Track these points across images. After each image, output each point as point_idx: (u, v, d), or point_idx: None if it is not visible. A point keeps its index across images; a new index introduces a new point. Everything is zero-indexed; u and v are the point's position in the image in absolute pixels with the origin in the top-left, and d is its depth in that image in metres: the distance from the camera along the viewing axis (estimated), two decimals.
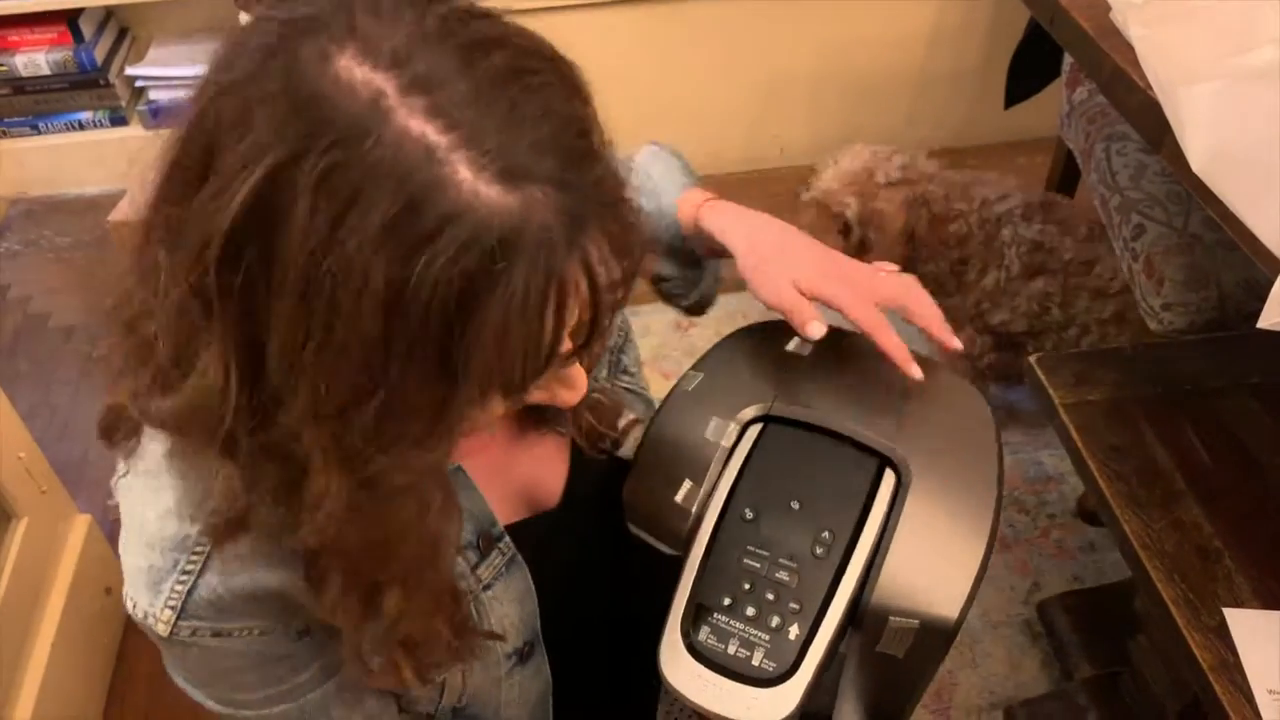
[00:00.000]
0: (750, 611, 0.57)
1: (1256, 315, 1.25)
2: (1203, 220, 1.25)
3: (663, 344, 1.84)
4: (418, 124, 0.41)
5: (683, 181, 0.80)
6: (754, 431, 0.65)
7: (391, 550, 0.53)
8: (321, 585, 0.55)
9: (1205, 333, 1.21)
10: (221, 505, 0.52)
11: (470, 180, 0.42)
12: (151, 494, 0.57)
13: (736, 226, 0.74)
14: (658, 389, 1.86)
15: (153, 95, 2.21)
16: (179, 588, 0.56)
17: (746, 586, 0.57)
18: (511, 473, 0.72)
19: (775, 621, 0.56)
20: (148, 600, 0.57)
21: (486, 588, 0.68)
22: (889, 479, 0.61)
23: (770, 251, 0.71)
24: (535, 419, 0.72)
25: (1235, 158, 0.79)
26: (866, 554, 0.58)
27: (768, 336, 0.72)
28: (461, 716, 0.73)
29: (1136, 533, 0.94)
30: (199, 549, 0.56)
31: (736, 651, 0.56)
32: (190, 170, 0.44)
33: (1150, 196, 1.30)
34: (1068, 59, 1.60)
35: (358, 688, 0.66)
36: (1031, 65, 1.70)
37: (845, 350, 0.70)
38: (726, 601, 0.57)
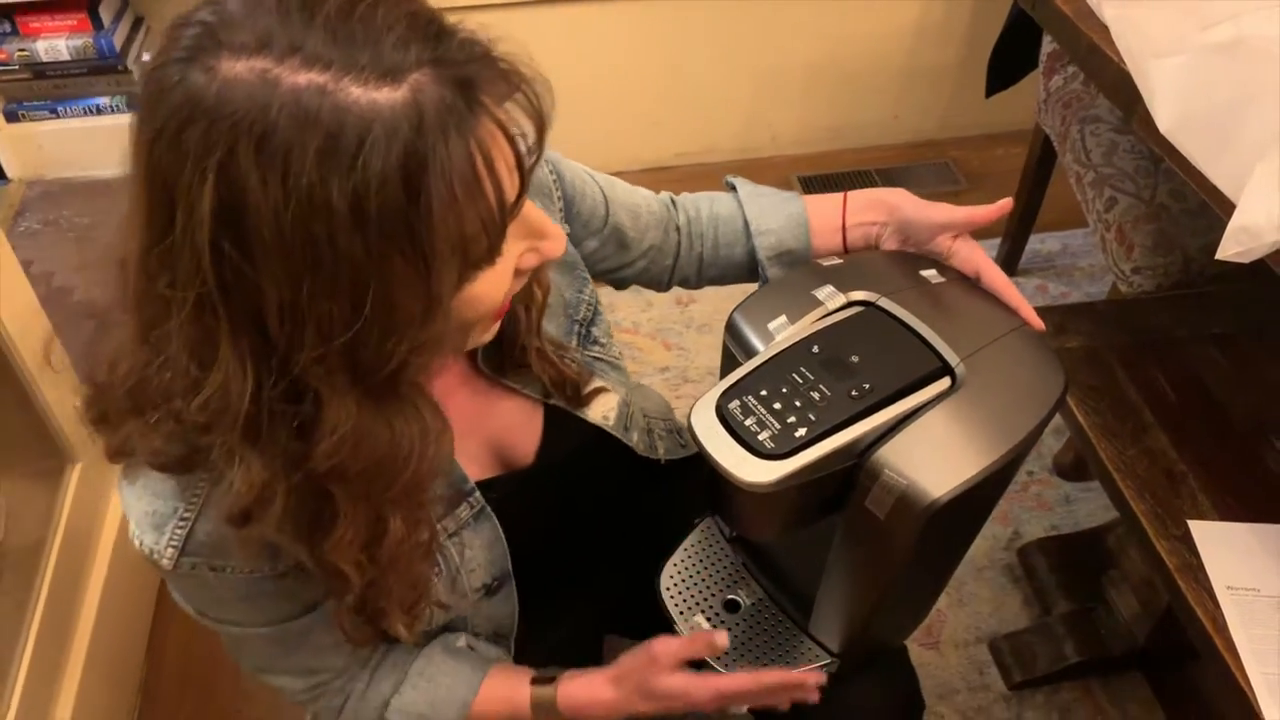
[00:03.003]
0: (776, 406, 0.67)
1: (1217, 276, 1.38)
2: (1169, 191, 1.37)
3: (664, 317, 1.94)
4: (303, 77, 0.49)
5: (786, 194, 0.93)
6: (855, 309, 0.76)
7: (397, 471, 0.60)
8: (333, 522, 0.61)
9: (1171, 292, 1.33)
10: (243, 491, 0.59)
11: (362, 94, 0.50)
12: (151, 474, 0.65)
13: (889, 193, 0.88)
14: (659, 359, 1.97)
15: None
16: (179, 530, 0.65)
17: (783, 390, 0.68)
18: (482, 434, 0.80)
19: (790, 420, 0.66)
20: (153, 539, 0.65)
21: (451, 536, 0.76)
22: (943, 382, 0.70)
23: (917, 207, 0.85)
24: (502, 380, 0.80)
25: (1197, 121, 0.90)
26: (891, 416, 0.67)
27: (909, 261, 0.83)
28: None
29: (1111, 459, 1.05)
30: (195, 496, 0.64)
31: (750, 425, 0.66)
32: (160, 214, 0.52)
33: (1121, 171, 1.42)
34: (1044, 50, 1.72)
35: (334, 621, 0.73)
36: (1010, 57, 1.82)
37: (967, 291, 0.80)
38: (763, 393, 0.68)
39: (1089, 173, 1.47)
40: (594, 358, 0.88)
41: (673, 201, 0.95)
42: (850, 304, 0.77)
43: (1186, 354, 1.17)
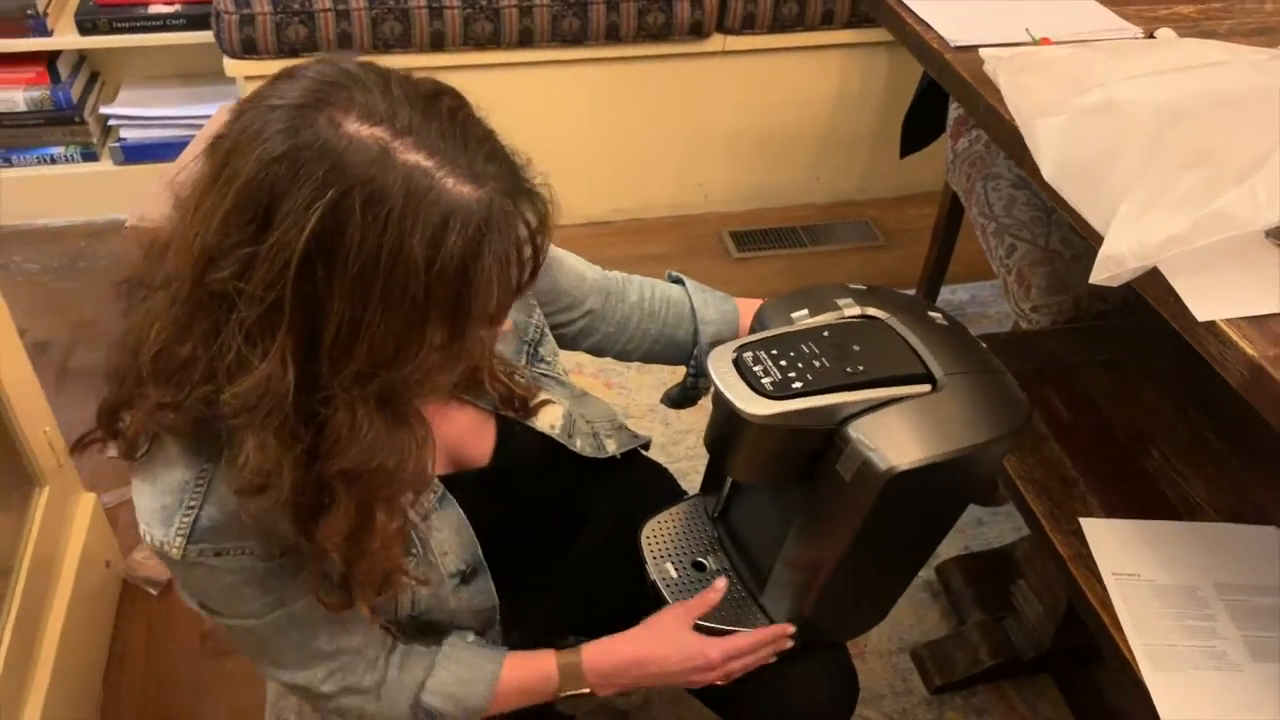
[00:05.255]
0: (782, 363, 0.80)
1: (1103, 313, 1.55)
2: (1060, 239, 1.54)
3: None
4: (413, 157, 0.62)
5: (720, 294, 1.10)
6: (867, 320, 0.89)
7: (397, 472, 0.71)
8: (331, 510, 0.70)
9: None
10: (255, 469, 0.67)
11: (454, 186, 0.63)
12: (157, 467, 0.73)
13: None
14: (602, 398, 2.09)
15: (123, 134, 2.36)
16: (185, 519, 0.73)
17: (791, 354, 0.81)
18: (440, 436, 0.88)
19: (791, 375, 0.79)
20: (162, 533, 0.73)
21: (425, 518, 0.86)
22: (925, 387, 0.83)
23: None
24: (457, 393, 0.90)
25: (1074, 169, 1.06)
26: (874, 397, 0.80)
27: (920, 304, 0.95)
28: (421, 622, 0.92)
29: (1013, 467, 1.19)
30: (198, 488, 0.73)
31: (758, 370, 0.80)
32: (253, 221, 0.61)
33: (1019, 222, 1.59)
34: (951, 116, 1.91)
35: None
36: (921, 122, 2.00)
37: (963, 335, 0.92)
38: (774, 352, 0.81)
39: (991, 223, 1.64)
40: (541, 374, 0.99)
41: (625, 279, 1.09)
42: (864, 316, 0.90)
43: (1077, 377, 1.32)
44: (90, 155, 2.36)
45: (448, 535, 0.88)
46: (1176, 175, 0.94)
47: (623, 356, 1.11)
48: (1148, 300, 0.94)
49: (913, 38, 1.38)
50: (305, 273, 0.61)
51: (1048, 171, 1.07)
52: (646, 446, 1.16)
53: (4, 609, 1.26)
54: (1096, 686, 1.45)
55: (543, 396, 0.96)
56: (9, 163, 2.32)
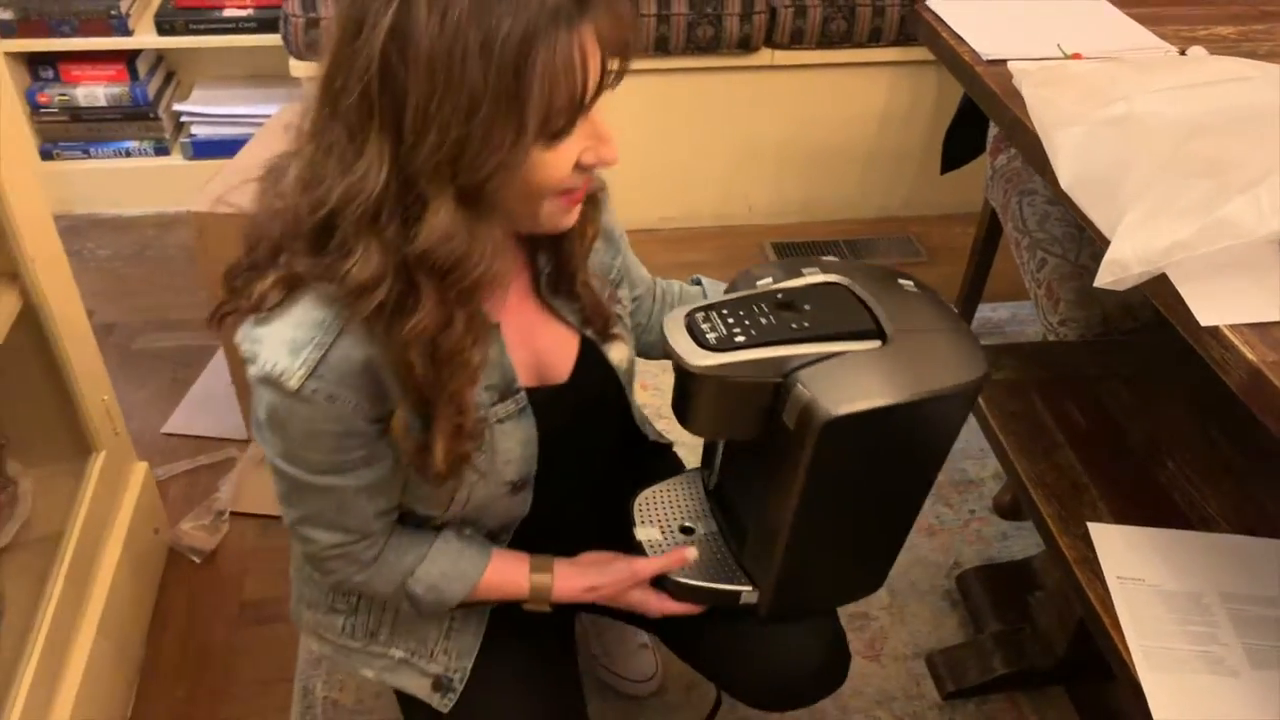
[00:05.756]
0: (730, 320, 0.84)
1: (1132, 330, 1.55)
2: (1091, 255, 1.55)
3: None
4: None
5: None
6: (829, 285, 0.92)
7: (470, 268, 0.76)
8: (414, 309, 0.76)
9: None
10: (361, 274, 0.74)
11: None
12: (294, 307, 0.79)
13: None
14: (637, 398, 2.12)
15: (194, 130, 2.47)
16: (314, 354, 0.78)
17: (740, 313, 0.85)
18: (532, 346, 0.96)
19: (735, 330, 0.83)
20: (288, 361, 0.78)
21: (500, 422, 0.91)
22: (875, 343, 0.85)
23: None
24: (552, 303, 0.96)
25: (1089, 179, 1.08)
26: (819, 351, 0.83)
27: (892, 272, 0.97)
28: (454, 519, 0.98)
29: (1025, 470, 1.20)
30: (333, 329, 0.78)
31: (705, 327, 0.84)
32: (350, 32, 0.71)
33: (1051, 236, 1.61)
34: (991, 133, 1.92)
35: (385, 487, 0.89)
36: (962, 139, 2.02)
37: (931, 299, 0.93)
38: (724, 312, 0.85)
39: (1025, 238, 1.66)
40: (616, 314, 1.04)
41: (654, 280, 1.17)
42: (826, 282, 0.92)
43: (1097, 389, 1.33)
44: (162, 150, 2.48)
45: (513, 446, 0.93)
46: (1184, 184, 0.96)
47: (645, 351, 1.17)
48: (1159, 309, 0.96)
49: (946, 51, 1.41)
50: (385, 63, 0.69)
51: (1065, 181, 1.09)
52: (670, 446, 1.23)
53: (56, 566, 1.34)
54: (1109, 702, 1.45)
55: (618, 329, 1.02)
56: (88, 154, 2.45)
